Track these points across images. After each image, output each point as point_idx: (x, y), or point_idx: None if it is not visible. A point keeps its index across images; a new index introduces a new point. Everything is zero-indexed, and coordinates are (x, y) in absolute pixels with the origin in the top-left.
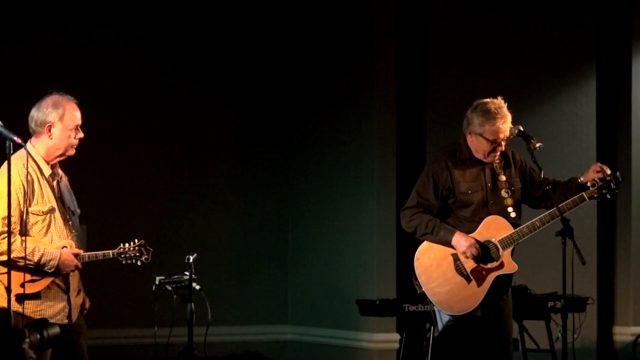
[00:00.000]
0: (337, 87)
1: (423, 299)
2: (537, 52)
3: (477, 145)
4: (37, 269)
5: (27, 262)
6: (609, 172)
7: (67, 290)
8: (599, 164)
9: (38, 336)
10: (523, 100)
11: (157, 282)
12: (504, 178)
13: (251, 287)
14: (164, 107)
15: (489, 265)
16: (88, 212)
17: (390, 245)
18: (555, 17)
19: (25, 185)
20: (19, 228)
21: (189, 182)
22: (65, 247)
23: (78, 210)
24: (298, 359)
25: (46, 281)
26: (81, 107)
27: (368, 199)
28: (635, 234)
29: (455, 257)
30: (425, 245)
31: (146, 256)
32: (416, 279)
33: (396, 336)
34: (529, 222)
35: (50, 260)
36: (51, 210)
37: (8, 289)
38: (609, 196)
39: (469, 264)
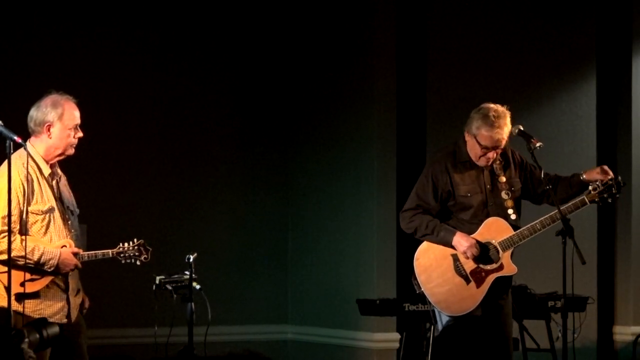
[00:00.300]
0: (337, 87)
1: (423, 298)
2: (537, 52)
3: (471, 146)
4: (36, 268)
5: (27, 261)
6: (611, 175)
7: (66, 290)
8: (605, 166)
9: (37, 336)
10: (523, 100)
11: (157, 282)
12: (504, 179)
13: (251, 287)
14: (164, 107)
15: (489, 267)
16: (88, 211)
17: (390, 245)
18: (555, 17)
19: (25, 185)
20: (18, 227)
21: (189, 182)
22: (65, 246)
23: (77, 210)
24: (298, 358)
25: (45, 280)
26: (81, 107)
27: (368, 199)
28: (635, 233)
29: (455, 258)
30: (425, 245)
31: (145, 255)
32: (415, 278)
33: (396, 336)
34: (529, 225)
35: (50, 259)
36: (50, 210)
37: (8, 288)
38: (610, 200)
39: (469, 265)
